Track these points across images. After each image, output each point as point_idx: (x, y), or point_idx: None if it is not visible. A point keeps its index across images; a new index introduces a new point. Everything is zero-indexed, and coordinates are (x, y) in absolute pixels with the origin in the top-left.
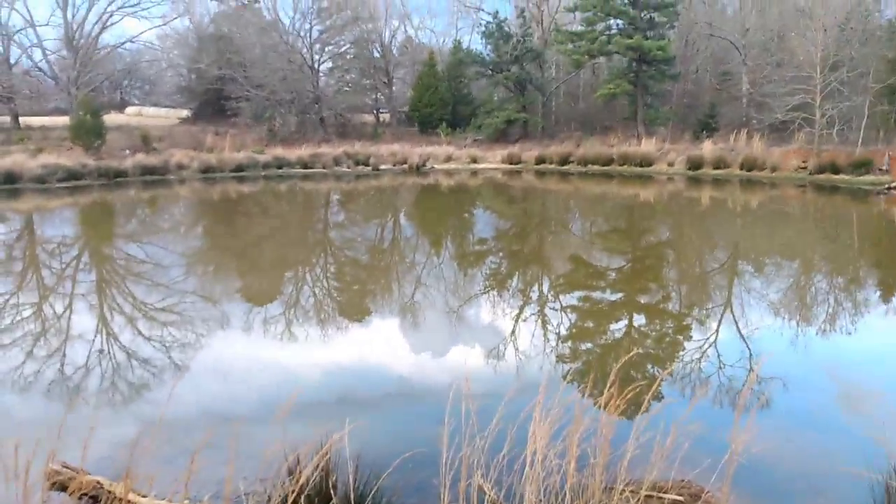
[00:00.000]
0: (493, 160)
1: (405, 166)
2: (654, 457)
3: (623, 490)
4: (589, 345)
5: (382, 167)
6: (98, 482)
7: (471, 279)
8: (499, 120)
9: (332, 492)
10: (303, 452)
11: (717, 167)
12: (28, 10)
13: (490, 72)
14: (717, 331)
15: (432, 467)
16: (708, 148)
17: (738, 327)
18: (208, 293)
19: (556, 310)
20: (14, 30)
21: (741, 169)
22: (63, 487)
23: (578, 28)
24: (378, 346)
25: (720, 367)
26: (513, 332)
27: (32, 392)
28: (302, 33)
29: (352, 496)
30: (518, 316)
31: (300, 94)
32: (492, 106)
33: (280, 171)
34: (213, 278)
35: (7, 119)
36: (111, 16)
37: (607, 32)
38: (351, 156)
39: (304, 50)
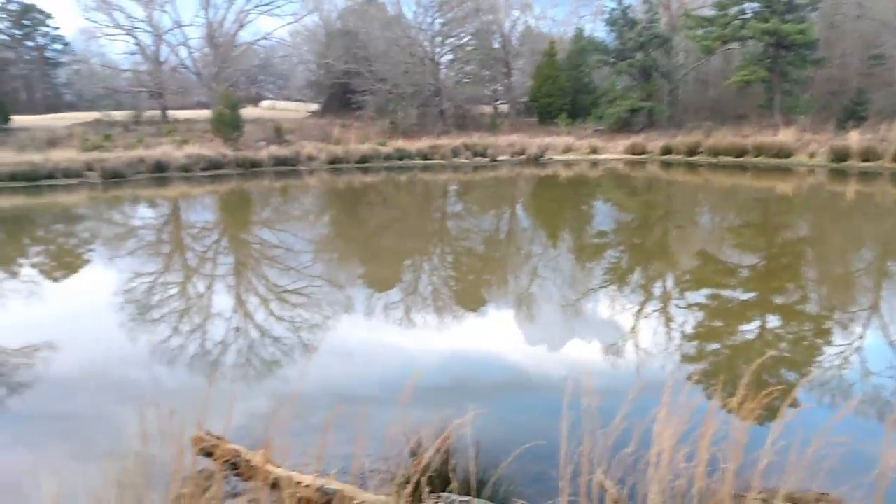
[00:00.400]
0: (614, 151)
1: (523, 157)
2: (790, 466)
3: (755, 498)
4: (717, 345)
5: (500, 158)
6: (237, 451)
7: (589, 272)
8: (622, 109)
9: (451, 475)
10: (424, 435)
11: (865, 159)
12: (176, 12)
13: (613, 60)
14: (861, 336)
15: (550, 460)
16: (855, 138)
17: (886, 333)
18: (334, 278)
19: (682, 307)
20: (164, 30)
21: (894, 161)
22: (208, 454)
23: (709, 12)
24: (494, 336)
25: (865, 375)
26: (633, 328)
27: (178, 364)
28: (424, 27)
29: (472, 481)
30: (639, 312)
31: (421, 86)
32: (614, 94)
33: (401, 162)
34: (338, 264)
35: (157, 113)
36: (248, 14)
37: (741, 16)
38: (469, 147)
39: (426, 43)
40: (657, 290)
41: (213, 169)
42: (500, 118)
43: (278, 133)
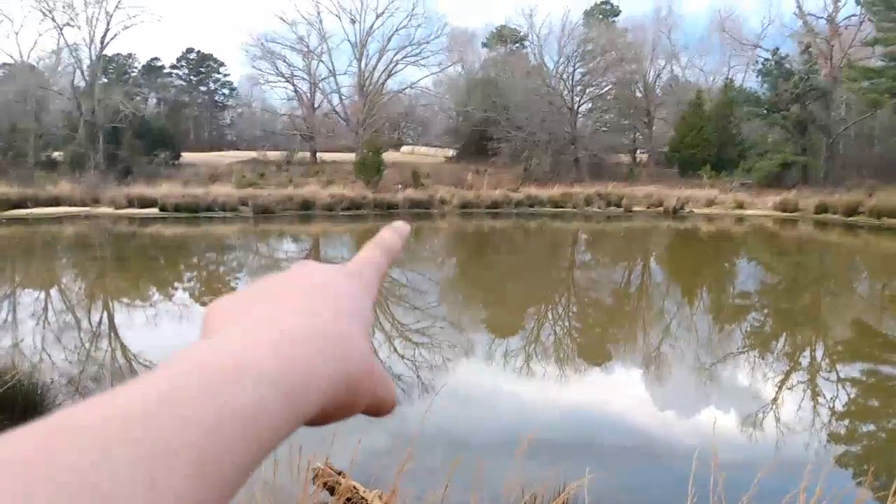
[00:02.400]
0: (762, 207)
1: (660, 209)
2: None
3: None
4: (871, 427)
5: (636, 209)
6: (356, 488)
7: (727, 336)
8: (773, 163)
9: None
10: (540, 492)
11: None
12: (332, 61)
13: (765, 111)
14: None
15: None
16: None
17: None
18: (457, 320)
19: (832, 381)
20: (319, 78)
21: None
22: (329, 488)
23: (878, 63)
24: (618, 394)
25: None
26: (775, 399)
27: None
28: (564, 76)
29: None
30: (782, 382)
31: (557, 134)
32: (765, 147)
33: (532, 209)
34: (462, 307)
35: (307, 154)
36: (396, 64)
37: None
38: (603, 196)
39: (565, 92)
40: (804, 359)
41: (353, 209)
42: (637, 168)
43: (415, 177)
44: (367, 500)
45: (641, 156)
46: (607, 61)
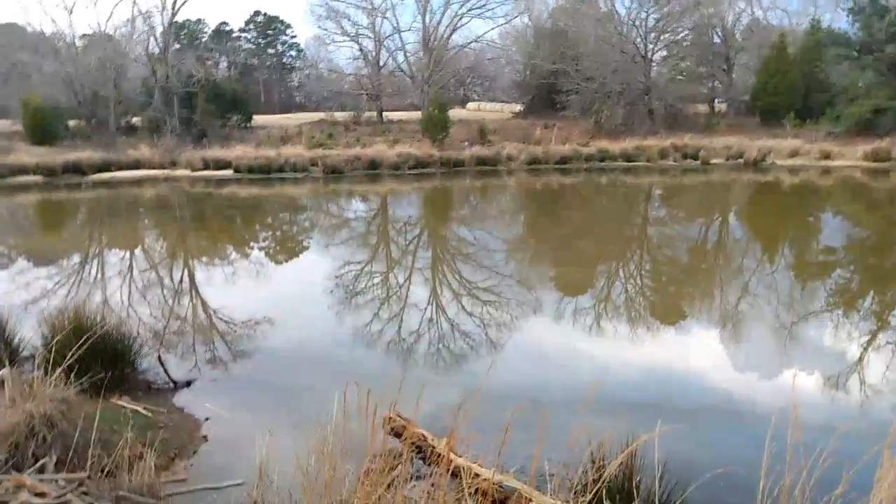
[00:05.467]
0: (851, 157)
1: (740, 161)
2: None
3: None
4: None
5: (714, 161)
6: (423, 435)
7: (810, 293)
8: (864, 109)
9: (634, 491)
10: (608, 446)
11: None
12: (396, 18)
13: (856, 53)
14: None
15: (746, 492)
16: None
17: None
18: (525, 279)
19: None
20: (384, 36)
21: None
22: (397, 434)
23: None
24: (694, 352)
25: None
26: (860, 359)
27: (376, 348)
28: (637, 23)
29: (656, 501)
30: (869, 343)
31: (630, 85)
32: (856, 93)
33: (602, 163)
34: (530, 265)
35: (374, 114)
36: (461, 18)
37: None
38: (679, 149)
39: (638, 40)
40: (894, 318)
41: (419, 167)
42: (716, 118)
43: (482, 134)
44: (434, 447)
45: (720, 105)
46: (683, 5)
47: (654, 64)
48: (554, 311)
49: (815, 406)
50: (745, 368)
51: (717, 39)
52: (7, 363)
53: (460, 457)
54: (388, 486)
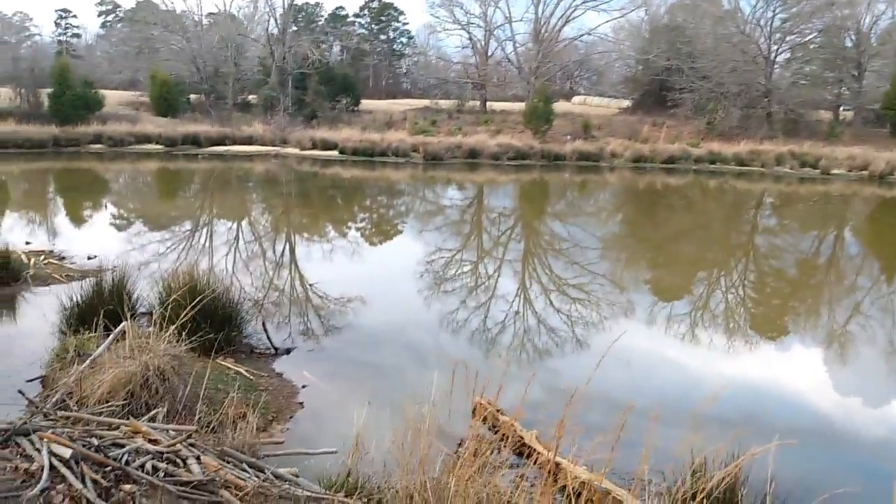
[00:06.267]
0: None
1: (864, 173)
2: None
3: None
4: None
5: (834, 172)
6: (513, 425)
7: None
8: None
9: None
10: (711, 457)
11: None
12: (508, 8)
13: None
14: None
15: None
16: None
17: None
18: (618, 279)
19: None
20: (495, 25)
21: None
22: (487, 421)
23: None
24: (795, 372)
25: None
26: None
27: (460, 335)
28: (762, 22)
29: None
30: None
31: (749, 86)
32: None
33: (713, 166)
34: (624, 266)
35: (477, 103)
36: (575, 10)
37: None
38: (797, 156)
39: (762, 40)
40: None
41: (519, 159)
42: (840, 126)
43: (586, 128)
44: (523, 438)
45: (845, 113)
46: (814, 5)
47: (776, 66)
48: (647, 316)
49: None
50: (851, 393)
51: (848, 43)
52: (128, 317)
53: (549, 451)
54: (479, 469)
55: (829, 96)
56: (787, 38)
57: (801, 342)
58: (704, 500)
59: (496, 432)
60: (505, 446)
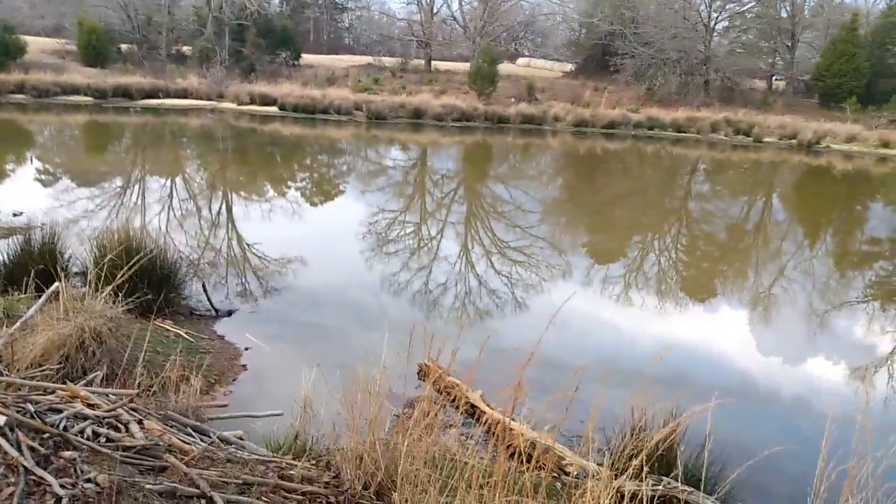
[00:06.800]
0: None
1: (793, 142)
2: None
3: None
4: None
5: (766, 140)
6: (458, 384)
7: (848, 283)
8: None
9: (677, 461)
10: (651, 415)
11: None
12: None
13: None
14: None
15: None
16: None
17: None
18: (557, 242)
19: None
20: None
21: None
22: (431, 380)
23: None
24: (721, 333)
25: None
26: (893, 354)
27: (403, 296)
28: None
29: (702, 476)
30: None
31: (688, 53)
32: None
33: (651, 132)
34: (564, 229)
35: (422, 62)
36: None
37: None
38: (731, 123)
39: (702, 7)
40: None
41: (463, 120)
42: (773, 96)
43: (529, 91)
44: (468, 397)
45: (778, 83)
46: None
47: (715, 34)
48: (583, 278)
49: (840, 398)
50: (772, 353)
51: (783, 14)
52: (61, 277)
53: (493, 409)
54: (428, 429)
55: (764, 66)
56: (727, 6)
57: (729, 304)
58: (645, 458)
59: (444, 394)
60: (454, 407)
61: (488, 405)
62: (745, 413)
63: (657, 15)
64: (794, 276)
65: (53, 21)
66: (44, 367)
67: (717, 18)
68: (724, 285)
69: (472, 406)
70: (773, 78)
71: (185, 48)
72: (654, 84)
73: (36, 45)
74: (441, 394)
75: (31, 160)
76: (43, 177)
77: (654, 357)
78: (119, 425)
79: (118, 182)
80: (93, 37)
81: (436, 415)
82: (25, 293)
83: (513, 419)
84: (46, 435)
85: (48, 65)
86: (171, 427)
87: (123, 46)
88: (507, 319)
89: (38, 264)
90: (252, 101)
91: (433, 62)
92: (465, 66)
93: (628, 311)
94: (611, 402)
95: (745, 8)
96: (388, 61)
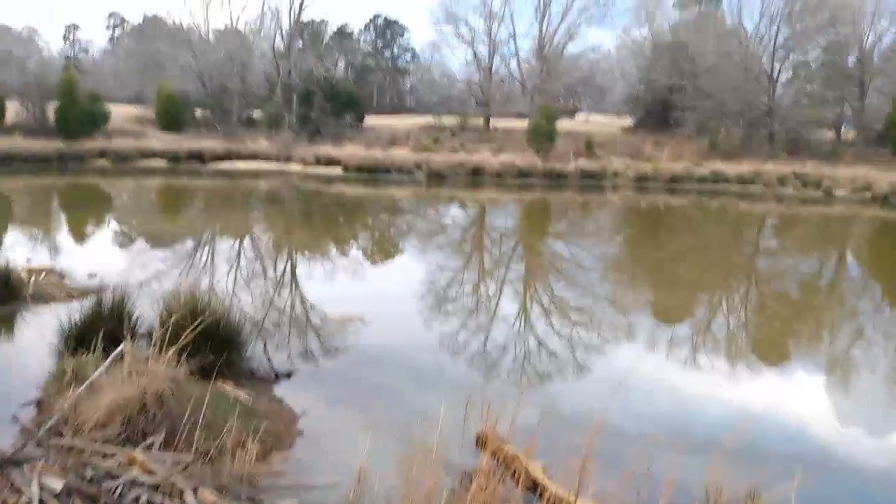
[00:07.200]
0: None
1: (867, 195)
2: None
3: None
4: None
5: (837, 193)
6: (518, 457)
7: None
8: None
9: None
10: (728, 498)
11: None
12: (513, 24)
13: None
14: None
15: None
16: None
17: None
18: (619, 301)
19: None
20: (499, 42)
21: None
22: (491, 450)
23: None
24: (803, 398)
25: None
26: None
27: (460, 357)
28: (765, 39)
29: None
30: None
31: (751, 105)
32: None
33: (715, 186)
34: (626, 288)
35: (481, 121)
36: (579, 26)
37: None
38: (799, 176)
39: (764, 58)
40: None
41: (522, 177)
42: (842, 146)
43: (588, 146)
44: (528, 469)
45: (848, 133)
46: (817, 22)
47: (778, 84)
48: (648, 339)
49: None
50: (853, 422)
51: (851, 62)
52: (128, 337)
53: (552, 482)
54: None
55: (831, 115)
56: (790, 57)
57: (805, 368)
58: None
59: (503, 465)
60: (513, 479)
61: (550, 480)
62: (828, 489)
63: (718, 67)
64: (874, 337)
65: (136, 90)
66: (106, 430)
67: (780, 69)
68: (798, 347)
69: (534, 481)
70: (842, 127)
71: (255, 113)
72: (716, 137)
73: (119, 112)
74: (500, 464)
75: (109, 223)
76: (119, 239)
77: (725, 425)
78: (174, 493)
79: (189, 244)
80: (169, 104)
81: (494, 489)
82: (94, 354)
83: (577, 497)
84: (101, 502)
85: (129, 131)
86: (225, 497)
87: (198, 112)
88: (567, 383)
89: (107, 325)
90: (318, 163)
91: (492, 120)
92: (523, 124)
93: (696, 375)
94: (683, 475)
95: (809, 57)
96: (447, 120)
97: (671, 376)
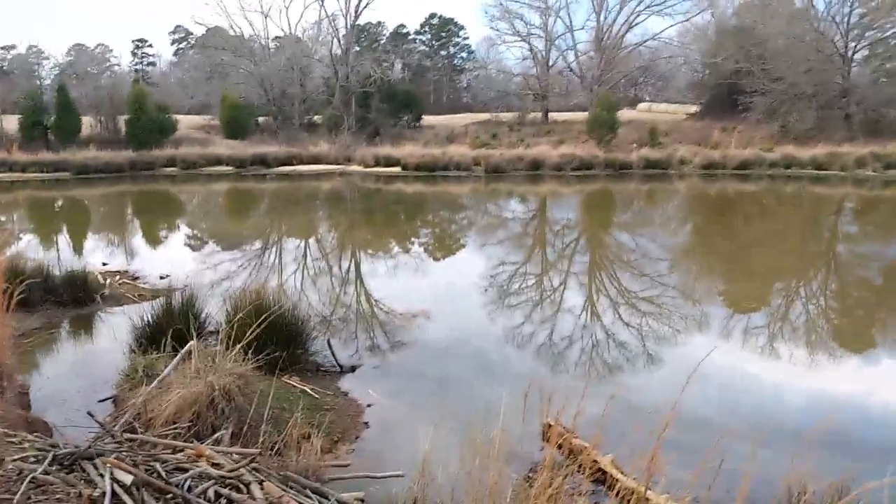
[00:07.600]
0: None
1: None
2: None
3: None
4: None
5: None
6: (586, 447)
7: None
8: None
9: None
10: (812, 492)
11: None
12: (569, 17)
13: None
14: None
15: None
16: None
17: None
18: (690, 291)
19: None
20: (556, 35)
21: None
22: (556, 443)
23: None
24: (888, 389)
25: None
26: None
27: (526, 350)
28: (838, 18)
29: None
30: None
31: (825, 87)
32: None
33: (788, 171)
34: (696, 277)
35: (539, 115)
36: (638, 15)
37: None
38: (880, 158)
39: (838, 37)
40: None
41: (583, 169)
42: None
43: (652, 135)
44: (597, 462)
45: None
46: None
47: (854, 64)
48: (721, 328)
49: None
50: None
51: None
52: (195, 336)
53: (624, 475)
54: (552, 499)
55: None
56: (866, 35)
57: (890, 356)
58: None
59: (569, 456)
60: (579, 472)
61: (622, 472)
62: None
63: (787, 49)
64: None
65: (201, 100)
66: (176, 425)
67: (855, 48)
68: (883, 335)
69: (603, 472)
70: None
71: (315, 117)
72: (788, 121)
73: (185, 122)
74: (566, 457)
75: (179, 227)
76: (189, 242)
77: (807, 416)
78: (241, 486)
79: (257, 244)
80: (233, 112)
81: (561, 483)
82: (164, 352)
83: (650, 489)
84: (170, 495)
85: (195, 139)
86: (291, 489)
87: (261, 118)
88: (637, 374)
89: (177, 324)
90: (377, 163)
91: (550, 113)
92: (583, 115)
93: (775, 364)
94: (761, 467)
95: (887, 34)
96: (505, 116)
97: (748, 366)
